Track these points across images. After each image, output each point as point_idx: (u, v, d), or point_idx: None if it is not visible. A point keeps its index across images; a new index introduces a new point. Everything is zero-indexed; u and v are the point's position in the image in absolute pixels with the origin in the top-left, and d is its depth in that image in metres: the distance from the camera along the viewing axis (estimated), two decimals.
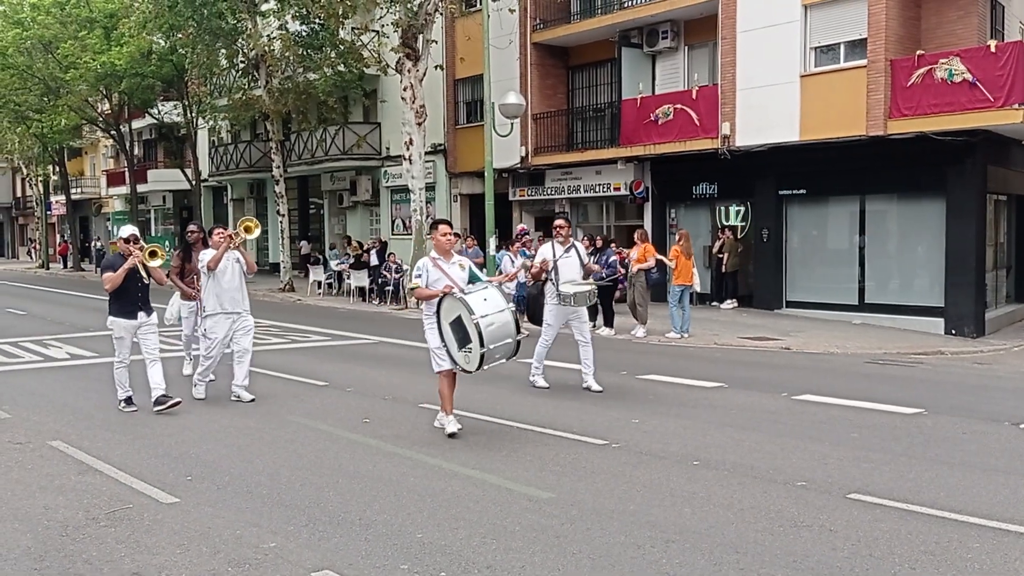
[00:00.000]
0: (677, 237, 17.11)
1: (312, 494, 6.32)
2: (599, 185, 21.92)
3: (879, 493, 6.14)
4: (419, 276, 7.94)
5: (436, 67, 23.07)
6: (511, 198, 24.09)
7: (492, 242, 19.27)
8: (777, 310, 18.82)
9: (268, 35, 25.55)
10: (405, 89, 21.23)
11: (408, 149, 21.49)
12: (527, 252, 16.74)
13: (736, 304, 19.55)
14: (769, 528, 5.48)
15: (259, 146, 32.15)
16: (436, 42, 22.63)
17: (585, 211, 23.62)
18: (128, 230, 9.15)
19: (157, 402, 9.01)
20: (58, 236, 53.35)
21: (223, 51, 27.34)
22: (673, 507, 5.91)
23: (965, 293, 16.51)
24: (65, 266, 45.86)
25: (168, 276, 10.25)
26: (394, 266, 22.42)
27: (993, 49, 15.25)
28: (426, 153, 22.61)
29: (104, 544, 5.35)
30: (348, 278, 24.01)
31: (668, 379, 11.04)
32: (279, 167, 27.55)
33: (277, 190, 27.70)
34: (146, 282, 9.15)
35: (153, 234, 45.46)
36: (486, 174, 19.77)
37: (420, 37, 21.15)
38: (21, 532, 5.58)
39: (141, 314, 9.02)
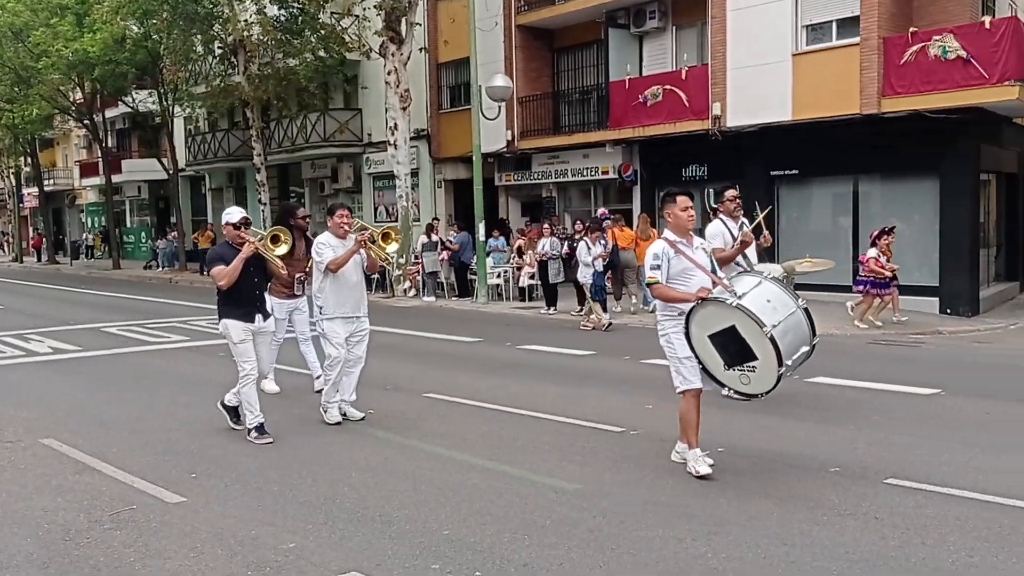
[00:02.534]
0: (637, 221, 17.47)
1: (326, 490, 6.02)
2: (587, 168, 21.61)
3: (917, 478, 5.93)
4: (656, 267, 6.01)
5: (421, 50, 22.67)
6: (497, 183, 23.74)
7: (481, 228, 18.97)
8: None
9: (246, 20, 25.01)
10: (389, 73, 20.86)
11: (393, 134, 21.14)
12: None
13: None
14: (812, 517, 5.25)
15: (238, 134, 31.52)
16: (420, 25, 22.24)
17: (573, 195, 23.34)
18: (237, 213, 7.44)
19: (250, 431, 7.45)
20: (31, 229, 52.36)
21: (199, 37, 26.79)
22: (708, 497, 5.67)
23: (960, 272, 16.40)
24: (39, 259, 45.02)
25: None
26: None
27: (988, 25, 15.08)
28: (410, 139, 22.24)
29: (111, 548, 5.03)
30: None
31: None
32: (259, 155, 27.06)
33: (258, 179, 27.23)
34: (289, 276, 7.74)
35: (128, 225, 44.82)
36: (474, 159, 19.44)
37: (404, 20, 20.76)
38: (21, 537, 5.24)
39: (259, 317, 7.41)
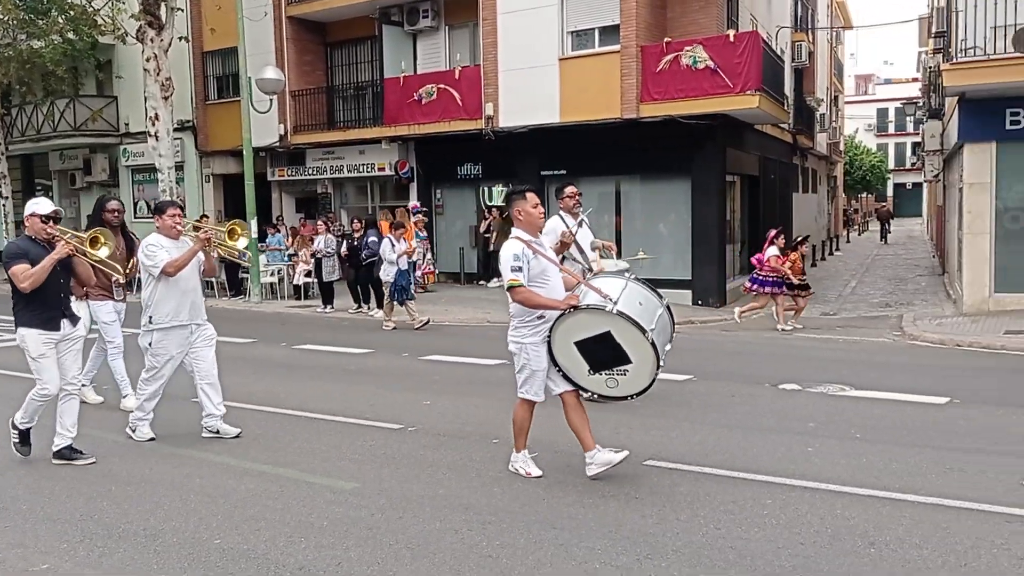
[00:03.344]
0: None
1: (83, 505, 5.64)
2: (363, 165, 21.47)
3: (672, 458, 6.41)
4: (519, 269, 5.62)
5: (181, 38, 21.56)
6: (270, 178, 23.10)
7: (253, 224, 18.34)
8: None
9: None
10: (148, 60, 19.68)
11: (154, 125, 19.98)
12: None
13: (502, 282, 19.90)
14: (579, 501, 5.54)
15: None
16: (181, 10, 21.17)
17: (349, 192, 23.09)
18: (46, 204, 6.53)
19: (59, 455, 6.63)
20: None
21: None
22: (483, 487, 5.84)
23: (709, 267, 17.77)
24: None
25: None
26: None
27: (732, 39, 16.43)
28: (173, 130, 21.12)
29: None
30: None
31: (451, 359, 11.00)
32: None
33: None
34: (107, 278, 7.19)
35: None
36: (245, 153, 18.77)
37: (164, 4, 19.67)
38: None
39: (65, 323, 6.56)
